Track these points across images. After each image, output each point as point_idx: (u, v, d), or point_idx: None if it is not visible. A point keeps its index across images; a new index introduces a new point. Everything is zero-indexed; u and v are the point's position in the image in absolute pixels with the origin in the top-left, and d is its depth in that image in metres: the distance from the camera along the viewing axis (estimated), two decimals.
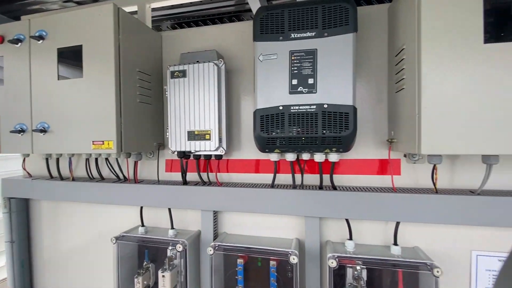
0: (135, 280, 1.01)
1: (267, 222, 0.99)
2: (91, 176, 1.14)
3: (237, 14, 0.99)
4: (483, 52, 0.60)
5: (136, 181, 1.08)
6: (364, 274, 0.85)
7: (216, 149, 0.91)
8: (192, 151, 0.93)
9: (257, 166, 1.02)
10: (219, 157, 0.98)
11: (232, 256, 0.97)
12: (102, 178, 1.13)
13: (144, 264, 1.06)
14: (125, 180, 1.11)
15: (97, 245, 1.18)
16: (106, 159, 1.09)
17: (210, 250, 0.90)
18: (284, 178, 0.99)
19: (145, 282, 1.01)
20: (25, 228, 1.24)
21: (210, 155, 0.99)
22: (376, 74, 0.92)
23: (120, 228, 1.09)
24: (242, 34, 1.01)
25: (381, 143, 0.91)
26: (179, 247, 0.93)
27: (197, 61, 0.93)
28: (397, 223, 0.84)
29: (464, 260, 0.84)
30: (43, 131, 0.92)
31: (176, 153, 0.96)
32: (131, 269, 1.07)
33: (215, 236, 1.02)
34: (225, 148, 0.93)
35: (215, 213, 1.02)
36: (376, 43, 0.91)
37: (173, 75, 0.94)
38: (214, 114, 0.90)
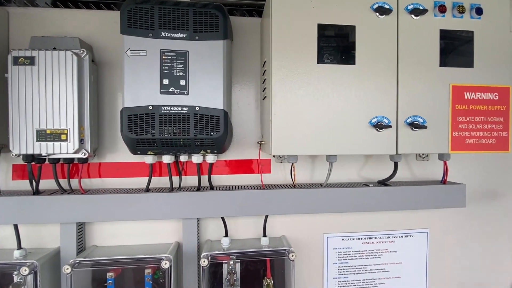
0: None
1: (143, 228, 0.94)
2: None
3: (106, 2, 0.89)
4: (317, 70, 0.73)
5: None
6: (238, 267, 0.91)
7: (76, 152, 0.80)
8: (44, 154, 0.79)
9: (134, 170, 0.95)
10: (83, 160, 0.86)
11: (100, 272, 0.87)
12: None
13: None
14: None
15: None
16: None
17: (67, 269, 0.78)
18: (165, 181, 0.96)
19: None
20: None
21: (73, 159, 0.86)
22: (253, 81, 0.99)
23: None
24: (115, 25, 0.92)
25: (256, 145, 0.99)
26: (24, 270, 0.77)
27: (54, 48, 0.79)
28: (266, 217, 0.93)
29: (318, 241, 1.00)
30: None
31: (21, 156, 0.79)
32: None
33: (81, 251, 0.89)
34: (88, 151, 0.82)
35: (80, 225, 0.89)
36: (253, 52, 0.99)
37: (16, 61, 0.77)
38: (73, 111, 0.78)
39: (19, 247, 0.85)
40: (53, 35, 0.88)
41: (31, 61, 0.77)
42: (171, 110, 0.78)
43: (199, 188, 0.92)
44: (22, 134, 0.77)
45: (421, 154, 1.04)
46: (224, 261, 0.89)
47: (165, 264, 0.80)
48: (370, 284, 1.03)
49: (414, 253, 1.05)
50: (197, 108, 0.79)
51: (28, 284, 0.82)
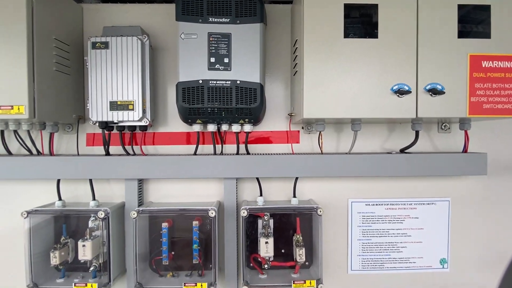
0: (51, 254, 0.98)
1: (190, 189, 1.10)
2: None
3: None
4: (343, 44, 0.84)
5: (52, 154, 1.04)
6: (272, 223, 1.04)
7: (140, 119, 0.97)
8: (115, 121, 0.97)
9: (182, 139, 1.11)
10: (143, 128, 1.03)
11: (156, 220, 1.04)
12: (10, 154, 1.05)
13: (61, 239, 1.03)
14: (39, 154, 1.05)
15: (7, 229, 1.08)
16: (15, 132, 1.01)
17: (134, 214, 0.95)
18: (207, 149, 1.11)
19: (62, 253, 0.99)
20: None
21: (135, 127, 1.03)
22: (284, 61, 1.12)
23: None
24: (167, 15, 1.09)
25: (285, 119, 1.11)
26: (101, 214, 0.95)
27: (121, 35, 0.97)
28: (296, 179, 1.05)
29: (343, 206, 1.10)
30: None
31: (97, 124, 0.98)
32: (46, 245, 1.03)
33: (140, 206, 1.07)
34: (149, 119, 0.99)
35: (140, 183, 1.07)
36: (284, 36, 1.11)
37: (94, 45, 0.95)
38: (138, 85, 0.96)
39: (94, 199, 1.04)
40: (119, 25, 1.07)
41: (105, 45, 0.95)
42: (217, 83, 0.93)
43: (237, 154, 1.06)
44: (99, 105, 0.96)
45: (442, 126, 1.11)
46: (259, 216, 1.03)
47: (211, 213, 0.95)
48: (393, 247, 1.11)
49: (435, 220, 1.11)
50: (238, 82, 0.93)
51: (101, 228, 1.01)
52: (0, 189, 1.08)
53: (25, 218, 0.96)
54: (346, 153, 1.04)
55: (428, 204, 1.11)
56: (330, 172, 0.99)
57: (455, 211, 1.11)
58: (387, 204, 1.11)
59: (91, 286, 0.95)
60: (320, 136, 1.03)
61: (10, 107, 0.82)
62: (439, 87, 0.84)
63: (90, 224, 1.02)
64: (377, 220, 1.11)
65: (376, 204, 1.11)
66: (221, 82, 0.93)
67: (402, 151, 1.06)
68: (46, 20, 0.91)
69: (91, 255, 0.96)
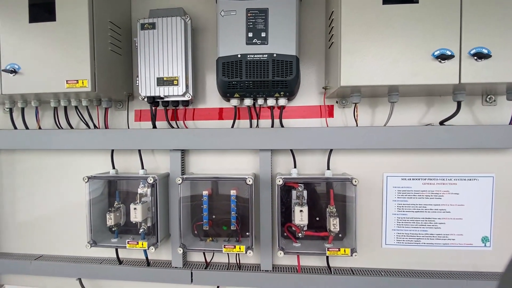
0: (107, 216, 1.11)
1: (228, 161, 1.16)
2: (59, 126, 1.19)
3: None
4: (382, 10, 0.84)
5: (106, 126, 1.17)
6: (305, 193, 1.08)
7: (184, 94, 1.05)
8: (162, 96, 1.06)
9: (220, 114, 1.18)
10: (186, 103, 1.11)
11: (197, 188, 1.12)
12: (71, 128, 1.19)
13: (115, 204, 1.16)
14: (95, 128, 1.18)
15: (66, 195, 1.23)
16: (76, 107, 1.15)
17: (179, 180, 1.04)
18: (243, 123, 1.17)
19: (117, 215, 1.11)
20: None
21: (178, 103, 1.12)
22: (317, 37, 1.13)
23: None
24: None
25: (321, 93, 1.13)
26: (150, 180, 1.05)
27: (166, 16, 1.05)
28: (330, 151, 1.07)
29: (378, 180, 1.10)
30: (13, 71, 0.96)
31: (146, 99, 1.07)
32: (103, 209, 1.16)
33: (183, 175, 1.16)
34: (191, 94, 1.07)
35: (183, 155, 1.15)
36: (317, 11, 1.12)
37: (143, 27, 1.04)
38: (182, 62, 1.03)
39: (142, 168, 1.15)
40: (164, 7, 1.15)
41: (152, 26, 1.04)
42: (255, 57, 0.98)
43: (272, 127, 1.11)
44: (147, 81, 1.05)
45: (487, 99, 1.05)
46: (293, 187, 1.07)
47: (249, 181, 1.01)
48: (430, 222, 1.09)
49: (477, 197, 1.07)
50: (274, 55, 0.97)
51: (149, 194, 1.12)
52: (65, 159, 1.24)
53: (86, 182, 1.09)
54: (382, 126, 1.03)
55: (470, 180, 1.07)
56: (365, 144, 1.00)
57: (499, 188, 1.06)
58: (425, 179, 1.09)
59: (142, 244, 1.06)
60: (355, 109, 1.04)
61: (75, 81, 0.94)
62: (484, 51, 0.81)
63: (140, 190, 1.13)
64: (414, 195, 1.09)
65: (412, 179, 1.09)
66: (258, 55, 0.98)
67: (442, 123, 1.03)
68: (103, 6, 1.01)
69: (141, 217, 1.07)
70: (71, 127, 1.19)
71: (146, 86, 1.05)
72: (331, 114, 1.13)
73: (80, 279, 1.20)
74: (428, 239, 1.10)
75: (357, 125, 1.05)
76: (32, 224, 1.27)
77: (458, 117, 1.00)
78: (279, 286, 1.10)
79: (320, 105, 1.13)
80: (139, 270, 1.15)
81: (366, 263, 1.12)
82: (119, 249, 1.17)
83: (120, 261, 1.18)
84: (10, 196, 1.27)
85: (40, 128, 1.19)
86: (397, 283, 1.06)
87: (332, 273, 1.10)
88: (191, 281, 1.12)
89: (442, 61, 0.82)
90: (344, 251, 0.99)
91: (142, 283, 1.20)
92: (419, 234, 1.10)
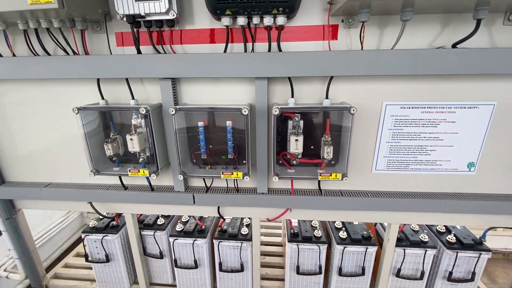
0: (105, 146, 1.12)
1: (222, 93, 1.10)
2: (34, 53, 1.08)
3: None
4: None
5: (86, 52, 1.06)
6: (302, 123, 1.07)
7: (167, 12, 0.92)
8: (142, 14, 0.92)
9: (211, 36, 1.06)
10: (171, 23, 0.98)
11: (193, 119, 1.10)
12: (48, 54, 1.08)
13: (111, 135, 1.16)
14: (75, 54, 1.08)
15: (61, 127, 1.21)
16: (48, 29, 1.02)
17: (172, 111, 1.01)
18: (237, 47, 1.06)
19: (114, 145, 1.12)
20: None
21: (162, 24, 0.99)
22: None
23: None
24: None
25: (325, 9, 0.99)
26: (142, 110, 1.02)
27: None
28: (330, 78, 1.01)
29: (377, 109, 1.08)
30: None
31: (124, 18, 0.94)
32: (100, 140, 1.16)
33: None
34: (176, 11, 0.93)
35: (174, 83, 1.09)
36: None
37: None
38: None
39: (133, 98, 1.10)
40: None
41: None
42: None
43: (269, 51, 1.01)
44: None
45: (510, 17, 0.94)
46: (290, 117, 1.05)
47: (244, 111, 0.99)
48: (422, 150, 1.12)
49: (473, 125, 1.07)
50: None
51: (143, 125, 1.10)
52: (51, 90, 1.16)
53: (76, 113, 1.06)
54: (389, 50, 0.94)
55: (470, 107, 1.05)
56: (370, 70, 0.93)
57: (498, 116, 1.05)
58: (424, 107, 1.06)
59: (143, 172, 1.11)
60: (362, 29, 0.93)
61: None
62: None
63: (133, 121, 1.11)
64: (410, 124, 1.09)
65: (411, 107, 1.07)
66: None
67: (454, 46, 0.94)
68: None
69: (138, 147, 1.08)
70: (48, 54, 1.08)
71: (123, 2, 0.91)
72: (334, 36, 1.02)
73: (91, 202, 1.30)
74: (416, 164, 1.15)
75: (362, 49, 0.96)
76: (32, 156, 1.29)
77: (473, 39, 0.91)
78: (273, 205, 1.21)
79: (324, 25, 1.01)
80: (145, 194, 1.24)
81: (355, 187, 1.21)
82: (122, 177, 1.23)
83: (125, 187, 1.26)
84: (6, 129, 1.25)
85: (14, 55, 1.08)
86: (381, 202, 1.16)
87: (323, 194, 1.19)
88: (194, 203, 1.22)
89: None
90: (335, 176, 1.05)
91: (147, 205, 1.30)
92: (409, 160, 1.14)
